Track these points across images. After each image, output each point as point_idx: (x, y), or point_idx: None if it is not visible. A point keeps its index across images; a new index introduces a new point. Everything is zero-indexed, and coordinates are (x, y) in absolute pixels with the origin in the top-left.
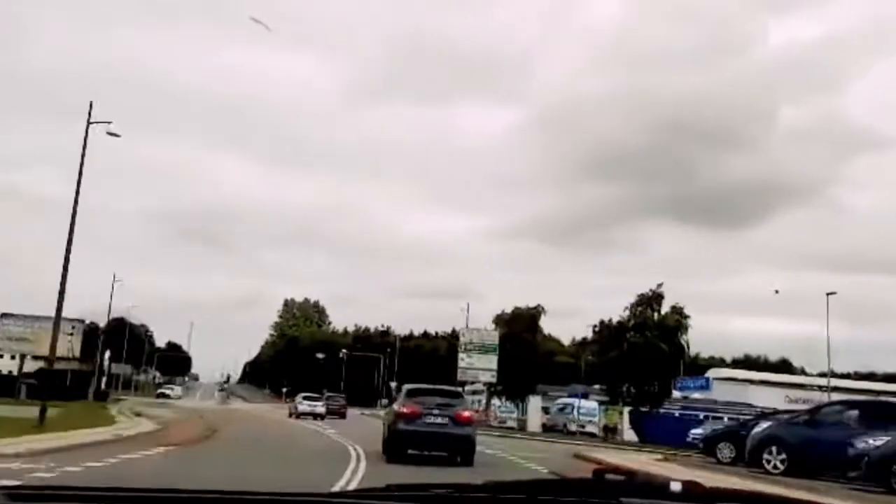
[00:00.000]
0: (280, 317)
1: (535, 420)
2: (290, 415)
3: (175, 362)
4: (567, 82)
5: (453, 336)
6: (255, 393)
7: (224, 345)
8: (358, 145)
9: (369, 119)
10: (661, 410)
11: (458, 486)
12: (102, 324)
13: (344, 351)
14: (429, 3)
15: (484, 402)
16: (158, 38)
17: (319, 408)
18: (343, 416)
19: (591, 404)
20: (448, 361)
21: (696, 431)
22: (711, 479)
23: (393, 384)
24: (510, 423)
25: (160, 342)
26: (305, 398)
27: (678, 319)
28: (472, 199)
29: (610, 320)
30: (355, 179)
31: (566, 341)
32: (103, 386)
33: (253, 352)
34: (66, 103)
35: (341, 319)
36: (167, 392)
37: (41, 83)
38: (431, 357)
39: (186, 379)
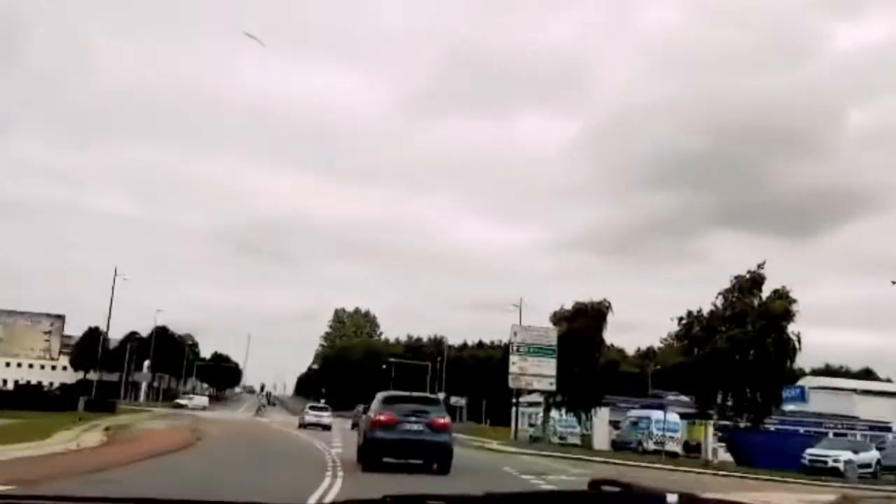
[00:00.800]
0: (330, 327)
1: (602, 436)
2: (300, 426)
3: (223, 373)
4: (624, 90)
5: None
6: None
7: (283, 358)
8: (413, 159)
9: (424, 133)
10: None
11: (457, 497)
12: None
13: (390, 359)
14: (483, 15)
15: (541, 414)
16: (215, 58)
17: (326, 418)
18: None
19: (672, 417)
20: (502, 371)
21: (817, 453)
22: None
23: (441, 394)
24: (572, 440)
25: (218, 355)
26: (312, 408)
27: (785, 306)
28: (527, 210)
29: (699, 311)
30: (411, 193)
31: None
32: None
33: (306, 364)
34: (130, 124)
35: (395, 332)
36: (183, 402)
37: (106, 104)
38: (484, 367)
39: (239, 390)
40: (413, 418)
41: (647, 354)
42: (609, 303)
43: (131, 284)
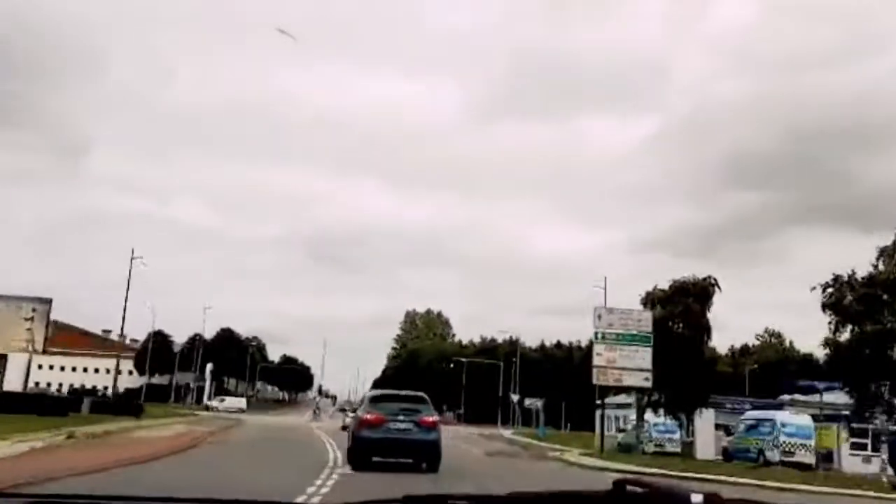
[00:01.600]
0: (402, 329)
1: (706, 442)
2: (342, 428)
3: (291, 376)
4: (700, 89)
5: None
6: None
7: (361, 363)
8: (485, 163)
9: (495, 136)
10: None
11: (478, 497)
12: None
13: (459, 359)
14: (550, 16)
15: (632, 417)
16: (285, 73)
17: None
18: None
19: (802, 420)
20: (582, 371)
21: None
22: None
23: (515, 397)
24: (670, 447)
25: (287, 357)
26: (341, 410)
27: None
28: (602, 213)
29: (852, 273)
30: (484, 198)
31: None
32: (182, 399)
33: (379, 368)
34: (207, 139)
35: (469, 335)
36: (214, 405)
37: (183, 120)
38: (563, 368)
39: (313, 395)
40: (401, 417)
41: (743, 352)
42: (715, 280)
43: (210, 293)
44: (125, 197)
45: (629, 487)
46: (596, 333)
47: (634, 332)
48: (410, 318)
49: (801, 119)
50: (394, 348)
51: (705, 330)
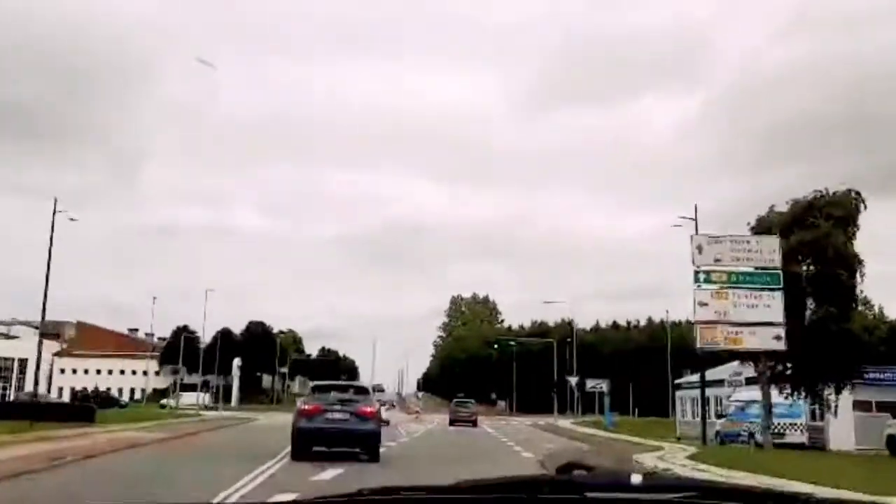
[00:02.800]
0: (448, 316)
1: (844, 430)
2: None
3: (329, 370)
4: (748, 58)
5: (651, 326)
6: (428, 401)
7: (413, 357)
8: (535, 152)
9: (545, 124)
10: None
11: (429, 487)
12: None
13: (507, 340)
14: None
15: (732, 398)
16: (331, 74)
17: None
18: (474, 423)
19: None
20: (646, 353)
21: None
22: None
23: (572, 380)
24: (791, 437)
25: (326, 350)
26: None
27: None
28: (654, 193)
29: None
30: (535, 186)
31: None
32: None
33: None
34: (262, 144)
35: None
36: (168, 402)
37: (238, 127)
38: (624, 350)
39: None
40: (337, 407)
41: None
42: (858, 193)
43: (268, 295)
44: (182, 206)
45: (575, 472)
46: (697, 274)
47: (756, 269)
48: (456, 305)
49: (858, 83)
50: (440, 337)
51: (849, 267)
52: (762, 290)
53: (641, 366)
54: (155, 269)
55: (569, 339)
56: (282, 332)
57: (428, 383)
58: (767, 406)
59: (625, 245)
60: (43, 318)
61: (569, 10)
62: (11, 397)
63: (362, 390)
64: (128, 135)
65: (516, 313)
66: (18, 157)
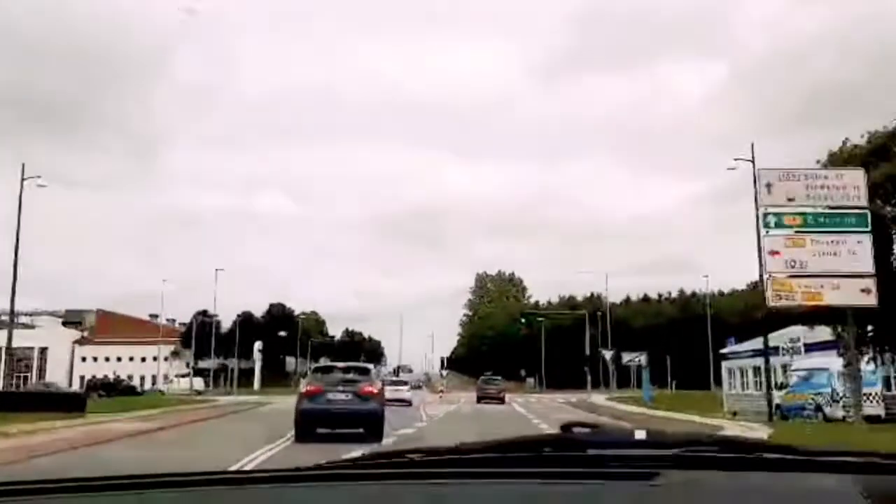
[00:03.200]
0: (473, 294)
1: None
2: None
3: (354, 351)
4: (772, 23)
5: (683, 297)
6: (454, 380)
7: (440, 336)
8: (558, 125)
9: (565, 96)
10: None
11: (432, 449)
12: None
13: (535, 314)
14: None
15: (795, 367)
16: (351, 54)
17: (404, 391)
18: (502, 400)
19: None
20: (681, 325)
21: None
22: None
23: (607, 353)
24: (866, 409)
25: (350, 332)
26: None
27: None
28: (680, 163)
29: None
30: (559, 160)
31: None
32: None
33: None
34: (280, 127)
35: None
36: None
37: (256, 110)
38: (656, 322)
39: (387, 371)
40: (340, 388)
41: None
42: None
43: (293, 278)
44: (203, 190)
45: (576, 429)
46: (765, 217)
47: (837, 209)
48: (481, 282)
49: (885, 44)
50: (465, 315)
51: None
52: (846, 233)
53: (675, 338)
54: (180, 254)
55: (600, 313)
56: (304, 314)
57: (455, 362)
58: (856, 375)
59: (651, 217)
60: (12, 310)
61: None
62: (31, 386)
63: (364, 370)
64: (148, 120)
65: (543, 290)
66: (38, 145)
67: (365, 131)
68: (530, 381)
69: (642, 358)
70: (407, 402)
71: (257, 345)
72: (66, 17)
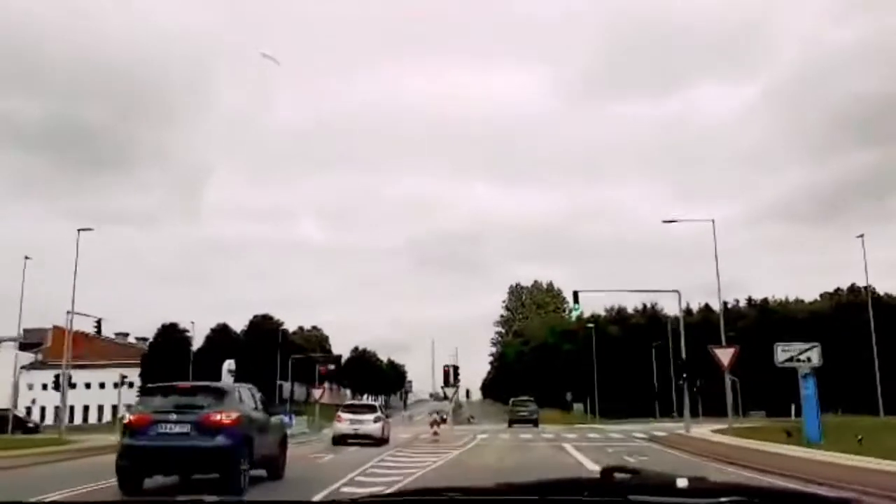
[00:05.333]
0: (506, 308)
1: None
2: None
3: (370, 375)
4: (808, 40)
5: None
6: (487, 408)
7: (477, 361)
8: (590, 147)
9: (596, 119)
10: None
11: (468, 489)
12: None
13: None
14: None
15: None
16: (382, 80)
17: (368, 425)
18: (535, 423)
19: None
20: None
21: None
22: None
23: (722, 351)
24: None
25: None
26: (347, 409)
27: None
28: (714, 184)
29: None
30: (593, 182)
31: None
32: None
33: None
34: (315, 156)
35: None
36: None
37: (290, 140)
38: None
39: (413, 399)
40: (173, 416)
41: None
42: None
43: (329, 307)
44: (244, 221)
45: (617, 474)
46: None
47: None
48: (515, 294)
49: None
50: (497, 333)
51: None
52: None
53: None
54: (215, 285)
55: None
56: (304, 328)
57: (487, 388)
58: None
59: (683, 238)
60: None
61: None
62: None
63: (214, 391)
64: (184, 153)
65: (586, 306)
66: (77, 181)
67: (400, 158)
68: (578, 406)
69: (813, 355)
70: (373, 440)
71: (227, 364)
72: (106, 56)
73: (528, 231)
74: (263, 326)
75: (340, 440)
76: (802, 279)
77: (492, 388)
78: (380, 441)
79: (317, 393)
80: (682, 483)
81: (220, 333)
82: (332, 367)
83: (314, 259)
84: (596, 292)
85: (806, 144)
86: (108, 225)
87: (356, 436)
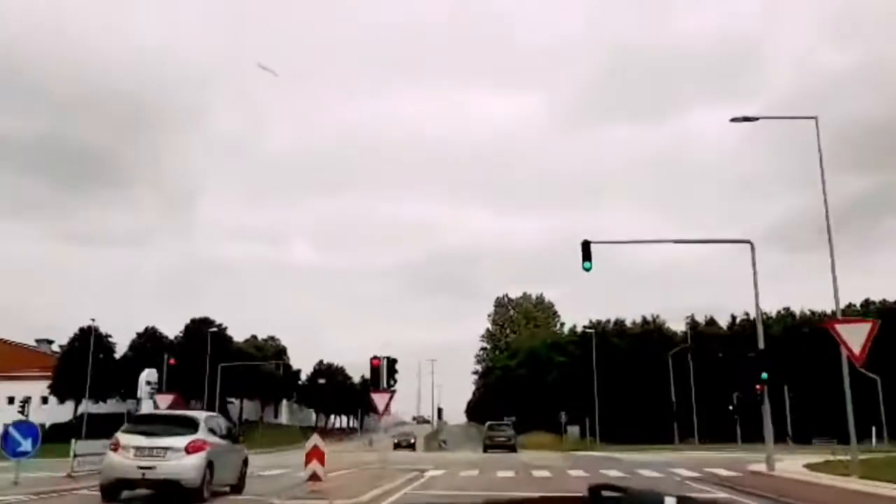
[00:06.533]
0: (493, 322)
1: None
2: None
3: (339, 394)
4: (801, 64)
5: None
6: (471, 431)
7: (465, 385)
8: (585, 172)
9: (592, 144)
10: None
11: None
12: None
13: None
14: (634, 13)
15: None
16: (374, 103)
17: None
18: (513, 448)
19: None
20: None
21: None
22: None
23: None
24: None
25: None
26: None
27: None
28: (710, 211)
29: None
30: (588, 208)
31: None
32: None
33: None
34: (308, 178)
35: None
36: None
37: (284, 162)
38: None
39: (397, 422)
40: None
41: None
42: None
43: (320, 328)
44: (237, 242)
45: (604, 493)
46: None
47: None
48: (502, 307)
49: None
50: (483, 349)
51: None
52: None
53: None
54: (206, 305)
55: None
56: (257, 338)
57: (472, 411)
58: None
59: (679, 266)
60: None
61: (612, 26)
62: None
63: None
64: (175, 174)
65: (580, 322)
66: (70, 200)
67: (395, 180)
68: (573, 430)
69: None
70: (180, 490)
71: (145, 375)
72: (100, 75)
73: (521, 255)
74: (202, 332)
75: (110, 491)
76: (800, 303)
77: (476, 409)
78: (194, 495)
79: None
80: (669, 502)
81: (149, 339)
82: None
83: (306, 280)
84: (615, 244)
85: (802, 170)
86: (98, 244)
87: (145, 481)
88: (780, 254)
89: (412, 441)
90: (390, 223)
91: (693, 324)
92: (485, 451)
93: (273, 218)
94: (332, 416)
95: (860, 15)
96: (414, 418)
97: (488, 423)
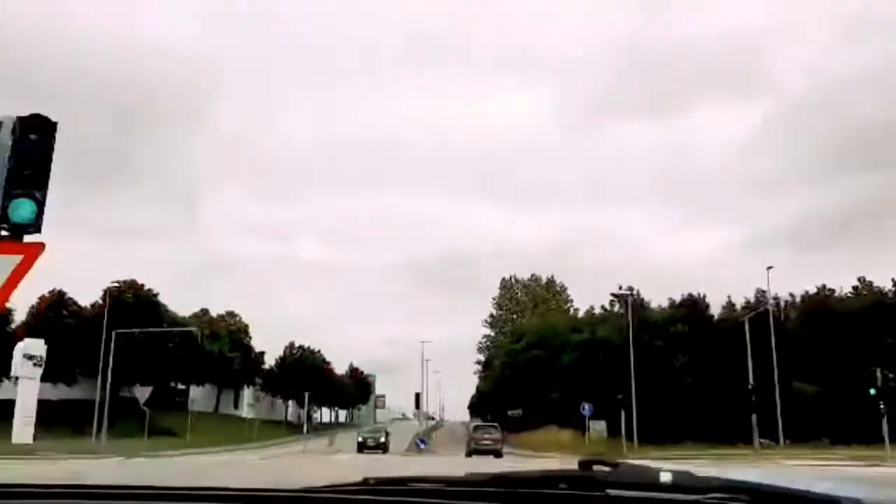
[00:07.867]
0: (497, 305)
1: None
2: None
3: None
4: (814, 63)
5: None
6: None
7: (470, 383)
8: (592, 170)
9: (603, 141)
10: None
11: (439, 479)
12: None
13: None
14: (642, 8)
15: None
16: (384, 100)
17: None
18: (498, 454)
19: None
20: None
21: None
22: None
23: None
24: None
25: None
26: None
27: None
28: (717, 209)
29: None
30: (594, 206)
31: None
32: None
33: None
34: (316, 174)
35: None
36: None
37: (293, 158)
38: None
39: (393, 415)
40: None
41: None
42: None
43: (329, 326)
44: (243, 239)
45: (596, 467)
46: None
47: None
48: (507, 289)
49: None
50: (486, 336)
51: None
52: None
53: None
54: (208, 301)
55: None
56: (209, 312)
57: (476, 407)
58: None
59: (687, 263)
60: None
61: (617, 24)
62: None
63: None
64: (183, 169)
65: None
66: (76, 197)
67: (399, 178)
68: (597, 425)
69: None
70: None
71: (22, 346)
72: (105, 71)
73: (527, 253)
74: (126, 299)
75: None
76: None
77: (478, 405)
78: None
79: None
80: (665, 477)
81: (52, 307)
82: None
83: (311, 276)
84: None
85: (812, 169)
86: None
87: None
88: (790, 251)
89: (382, 440)
90: (395, 220)
91: (730, 302)
92: (468, 455)
93: (278, 213)
94: (315, 409)
95: (881, 12)
96: (414, 414)
97: (473, 424)
